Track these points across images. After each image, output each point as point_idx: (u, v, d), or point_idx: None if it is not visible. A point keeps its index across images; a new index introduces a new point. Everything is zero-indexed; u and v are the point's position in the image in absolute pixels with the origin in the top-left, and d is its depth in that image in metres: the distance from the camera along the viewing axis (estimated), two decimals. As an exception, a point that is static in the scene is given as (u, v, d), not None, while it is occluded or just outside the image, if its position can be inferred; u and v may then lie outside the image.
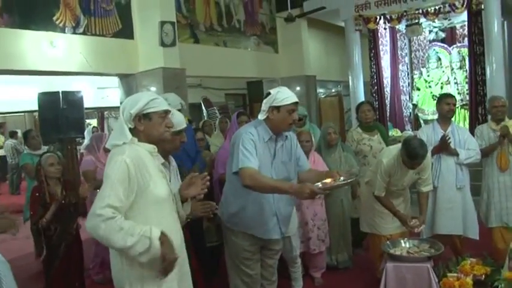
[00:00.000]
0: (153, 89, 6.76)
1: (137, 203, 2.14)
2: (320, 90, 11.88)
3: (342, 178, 2.74)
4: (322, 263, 4.60)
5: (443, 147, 4.34)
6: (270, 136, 2.97)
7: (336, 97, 12.07)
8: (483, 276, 3.33)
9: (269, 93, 2.96)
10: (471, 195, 4.56)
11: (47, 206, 3.61)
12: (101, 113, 11.57)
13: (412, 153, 3.58)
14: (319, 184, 2.65)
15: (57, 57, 6.15)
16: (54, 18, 6.15)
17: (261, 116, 2.97)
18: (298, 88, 9.90)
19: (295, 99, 2.95)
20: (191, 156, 3.77)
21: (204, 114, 11.29)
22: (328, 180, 2.73)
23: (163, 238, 2.08)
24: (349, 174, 2.89)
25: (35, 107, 8.04)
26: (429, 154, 3.96)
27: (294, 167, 3.13)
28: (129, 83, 7.19)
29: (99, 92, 10.38)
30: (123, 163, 2.09)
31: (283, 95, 2.91)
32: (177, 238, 2.30)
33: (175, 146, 2.85)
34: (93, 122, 11.83)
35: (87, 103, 9.71)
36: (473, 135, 4.62)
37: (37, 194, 3.71)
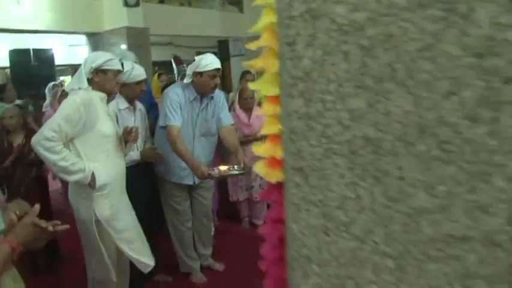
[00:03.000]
0: (123, 46, 7.02)
1: (86, 135, 2.64)
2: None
3: (236, 167, 3.33)
4: (262, 212, 4.70)
5: None
6: (195, 96, 3.34)
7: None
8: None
9: (194, 60, 3.32)
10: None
11: (5, 153, 3.91)
12: (74, 69, 11.80)
13: None
14: (215, 170, 3.30)
15: (24, 16, 6.38)
16: (21, -23, 6.27)
17: (186, 80, 3.31)
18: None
19: (216, 65, 3.27)
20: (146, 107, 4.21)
21: (175, 71, 11.60)
22: (223, 168, 3.32)
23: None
24: (247, 166, 3.27)
25: (6, 63, 8.37)
26: None
27: (216, 123, 3.51)
28: (96, 41, 7.47)
29: (71, 50, 10.61)
30: (75, 101, 2.61)
31: (206, 62, 3.24)
32: (120, 171, 2.87)
33: (136, 94, 3.33)
34: (68, 79, 12.10)
35: (60, 60, 10.01)
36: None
37: None
